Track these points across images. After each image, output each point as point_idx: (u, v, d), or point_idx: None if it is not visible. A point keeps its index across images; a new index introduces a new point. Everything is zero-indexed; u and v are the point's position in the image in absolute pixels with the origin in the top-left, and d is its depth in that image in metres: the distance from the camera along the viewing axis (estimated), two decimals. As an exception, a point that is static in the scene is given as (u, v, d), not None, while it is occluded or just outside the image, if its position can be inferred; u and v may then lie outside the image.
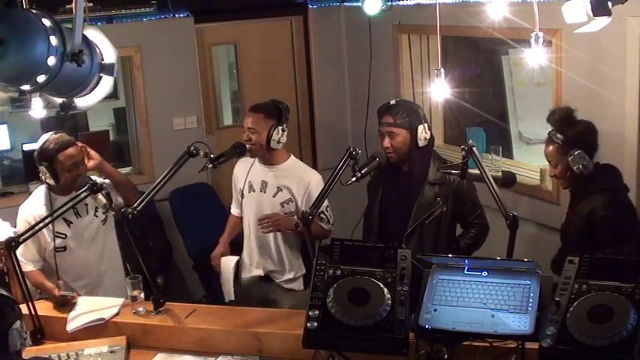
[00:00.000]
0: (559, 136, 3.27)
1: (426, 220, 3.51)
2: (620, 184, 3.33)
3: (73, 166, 3.45)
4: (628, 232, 3.20)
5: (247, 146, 3.61)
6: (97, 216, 3.64)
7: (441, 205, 3.51)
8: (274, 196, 3.68)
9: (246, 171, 3.77)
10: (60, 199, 3.46)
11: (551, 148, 3.33)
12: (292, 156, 3.81)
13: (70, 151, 3.46)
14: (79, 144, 3.57)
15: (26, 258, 3.42)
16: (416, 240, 3.49)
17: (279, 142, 3.63)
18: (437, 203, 3.51)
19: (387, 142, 3.51)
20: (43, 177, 3.48)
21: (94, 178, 3.37)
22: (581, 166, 3.17)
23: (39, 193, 3.58)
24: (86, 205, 3.58)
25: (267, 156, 3.70)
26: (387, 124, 3.52)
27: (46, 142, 3.46)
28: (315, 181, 3.68)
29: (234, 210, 3.99)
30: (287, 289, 3.78)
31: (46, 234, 3.45)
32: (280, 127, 3.62)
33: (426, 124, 3.51)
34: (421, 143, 3.50)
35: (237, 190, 3.87)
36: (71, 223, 3.55)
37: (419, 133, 3.48)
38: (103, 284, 3.62)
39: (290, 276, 3.76)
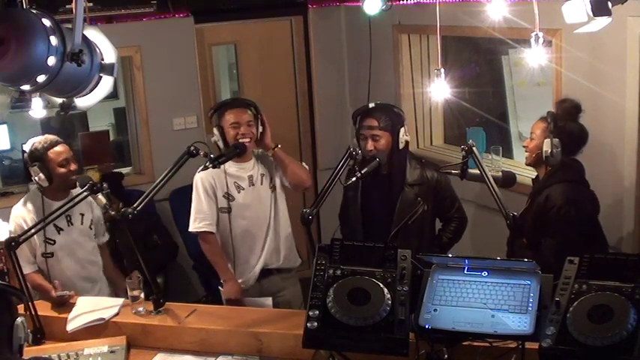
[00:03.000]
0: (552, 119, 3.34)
1: (409, 221, 3.55)
2: (581, 179, 3.42)
3: (65, 161, 3.48)
4: (570, 228, 3.27)
5: (246, 142, 3.60)
6: (91, 229, 3.66)
7: (422, 204, 3.55)
8: (262, 184, 3.72)
9: (221, 176, 3.67)
10: (52, 205, 3.46)
11: (539, 123, 3.44)
12: None
13: (59, 148, 3.51)
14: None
15: (21, 260, 3.40)
16: (400, 241, 3.49)
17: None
18: (418, 203, 3.55)
19: (370, 146, 3.51)
20: (36, 179, 3.48)
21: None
22: (549, 151, 3.24)
23: (31, 196, 3.58)
24: (81, 215, 3.59)
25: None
26: (370, 127, 3.53)
27: (33, 144, 3.52)
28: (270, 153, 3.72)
29: (209, 227, 3.67)
30: (286, 278, 3.82)
31: (35, 237, 3.43)
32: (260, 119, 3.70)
33: (406, 127, 3.56)
34: (401, 146, 3.53)
35: (214, 200, 3.67)
36: (61, 230, 3.54)
37: (400, 135, 3.51)
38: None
39: (288, 266, 3.81)
